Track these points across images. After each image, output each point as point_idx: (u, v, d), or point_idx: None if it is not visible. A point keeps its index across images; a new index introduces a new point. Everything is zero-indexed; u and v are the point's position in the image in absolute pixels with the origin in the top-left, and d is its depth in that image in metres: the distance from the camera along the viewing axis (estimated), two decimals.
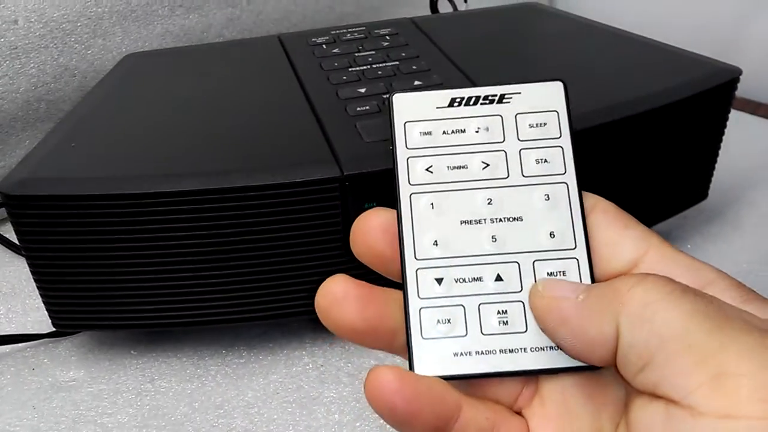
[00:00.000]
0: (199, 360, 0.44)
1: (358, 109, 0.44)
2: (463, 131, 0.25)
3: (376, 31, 0.55)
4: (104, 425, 0.39)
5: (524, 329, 0.23)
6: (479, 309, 0.23)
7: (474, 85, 0.46)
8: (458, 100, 0.25)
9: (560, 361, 0.23)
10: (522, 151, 0.25)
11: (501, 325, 0.23)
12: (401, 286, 0.24)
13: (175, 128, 0.43)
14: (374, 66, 0.49)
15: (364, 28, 0.56)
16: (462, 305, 0.23)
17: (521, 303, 0.23)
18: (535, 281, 0.23)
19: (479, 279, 0.23)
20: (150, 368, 0.44)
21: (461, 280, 0.24)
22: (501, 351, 0.23)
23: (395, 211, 0.24)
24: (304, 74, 0.49)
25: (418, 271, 0.24)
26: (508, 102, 0.25)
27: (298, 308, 0.42)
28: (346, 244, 0.40)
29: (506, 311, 0.23)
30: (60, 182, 0.39)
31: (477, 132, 0.25)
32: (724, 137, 0.49)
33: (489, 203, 0.24)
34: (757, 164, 0.63)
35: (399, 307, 0.23)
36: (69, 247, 0.39)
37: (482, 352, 0.23)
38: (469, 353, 0.23)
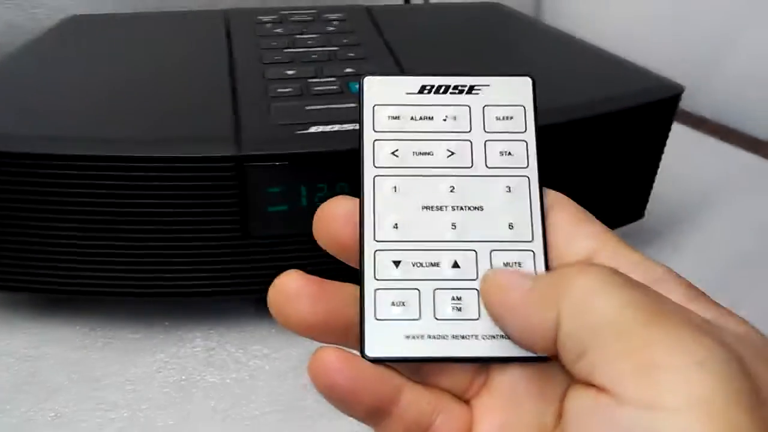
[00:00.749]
0: (90, 331, 0.43)
1: (279, 90, 0.42)
2: (431, 118, 0.25)
3: (326, 15, 0.54)
4: None
5: (477, 316, 0.23)
6: (434, 294, 0.23)
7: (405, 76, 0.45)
8: (428, 87, 0.26)
9: (510, 350, 0.23)
10: (487, 142, 0.25)
11: (454, 311, 0.23)
12: (356, 277, 0.24)
13: (87, 92, 0.42)
14: (311, 50, 0.48)
15: (315, 11, 0.54)
16: (417, 289, 0.23)
17: (476, 291, 0.23)
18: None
19: (436, 264, 0.24)
20: (39, 334, 0.43)
21: (418, 264, 0.24)
22: (453, 336, 0.23)
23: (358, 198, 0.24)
24: (238, 51, 0.48)
25: (377, 253, 0.24)
26: (477, 93, 0.25)
27: (194, 288, 0.41)
28: (243, 228, 0.39)
29: (461, 298, 0.23)
30: None
31: (444, 120, 0.25)
32: (679, 155, 0.47)
33: (452, 191, 0.24)
34: (704, 186, 0.61)
35: (352, 302, 0.23)
36: None
37: (434, 337, 0.23)
38: (421, 337, 0.23)
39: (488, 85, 0.26)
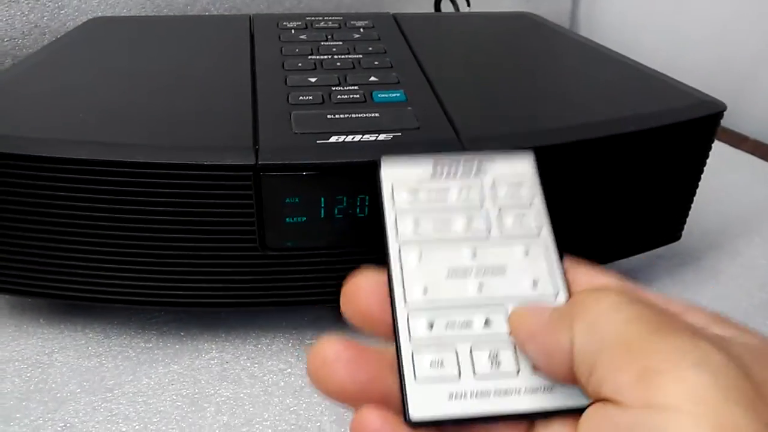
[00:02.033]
0: (105, 338, 0.43)
1: (300, 98, 0.41)
2: (446, 192, 0.27)
3: (352, 22, 0.52)
4: None
5: (516, 370, 0.24)
6: (471, 351, 0.24)
7: (431, 86, 0.43)
8: (440, 164, 0.28)
9: (555, 401, 0.23)
10: (500, 211, 0.27)
11: (494, 367, 0.24)
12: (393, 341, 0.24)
13: (103, 96, 0.41)
14: (335, 57, 0.47)
15: (341, 18, 0.53)
16: (454, 348, 0.24)
17: (512, 345, 0.24)
18: None
19: (469, 324, 0.24)
20: (53, 340, 0.42)
21: (451, 324, 0.24)
22: (495, 393, 0.23)
23: (384, 271, 0.25)
24: (261, 57, 0.47)
25: (410, 316, 0.24)
26: (486, 168, 0.28)
27: (209, 299, 0.40)
28: (260, 239, 0.38)
29: (498, 353, 0.24)
30: None
31: (459, 194, 0.27)
32: (718, 173, 0.45)
33: (473, 256, 0.26)
34: (744, 207, 0.58)
35: (391, 368, 0.24)
36: None
37: (477, 394, 0.23)
38: (464, 395, 0.23)
39: (493, 161, 0.28)
